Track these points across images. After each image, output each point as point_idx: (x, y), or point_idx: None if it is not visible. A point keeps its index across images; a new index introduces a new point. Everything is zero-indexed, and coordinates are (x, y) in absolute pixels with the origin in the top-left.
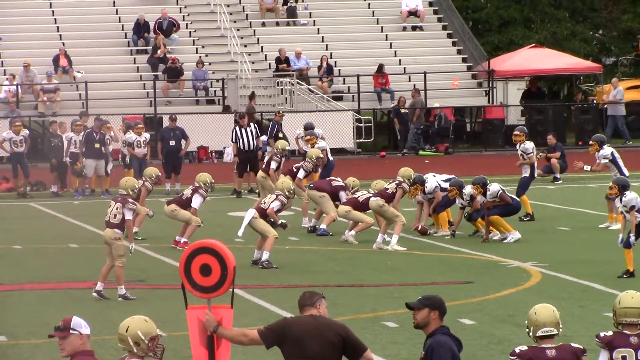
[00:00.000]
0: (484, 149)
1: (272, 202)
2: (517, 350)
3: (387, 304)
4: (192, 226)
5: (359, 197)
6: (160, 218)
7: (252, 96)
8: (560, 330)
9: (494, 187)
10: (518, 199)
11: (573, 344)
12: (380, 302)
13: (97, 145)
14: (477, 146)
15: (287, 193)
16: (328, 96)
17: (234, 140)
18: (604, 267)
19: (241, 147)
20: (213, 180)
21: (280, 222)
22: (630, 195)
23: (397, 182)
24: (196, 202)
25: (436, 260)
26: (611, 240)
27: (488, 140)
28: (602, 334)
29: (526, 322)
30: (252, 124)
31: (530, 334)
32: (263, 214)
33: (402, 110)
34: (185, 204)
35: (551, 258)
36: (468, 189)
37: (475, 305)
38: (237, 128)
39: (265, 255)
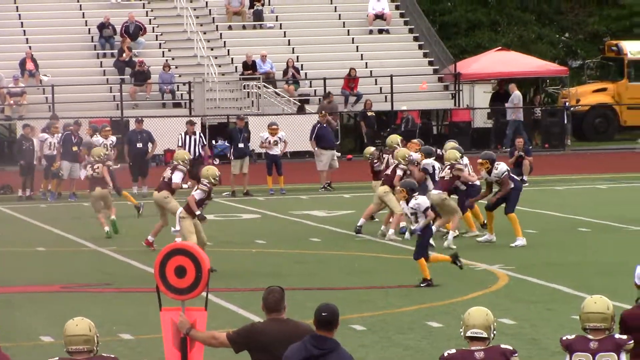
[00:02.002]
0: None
1: (194, 191)
2: (445, 354)
3: (354, 307)
4: (160, 225)
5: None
6: (127, 221)
7: (326, 95)
8: (493, 334)
9: (501, 167)
10: (518, 179)
11: (502, 345)
12: (348, 305)
13: (74, 148)
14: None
15: (212, 180)
16: (294, 99)
17: (179, 145)
18: (572, 270)
19: None
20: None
21: (197, 213)
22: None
23: (450, 165)
24: (177, 177)
25: (404, 263)
26: (579, 242)
27: (460, 143)
28: (564, 337)
29: (461, 322)
30: (197, 132)
31: (462, 334)
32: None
33: (369, 114)
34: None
35: (518, 261)
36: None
37: (443, 308)
38: (183, 134)
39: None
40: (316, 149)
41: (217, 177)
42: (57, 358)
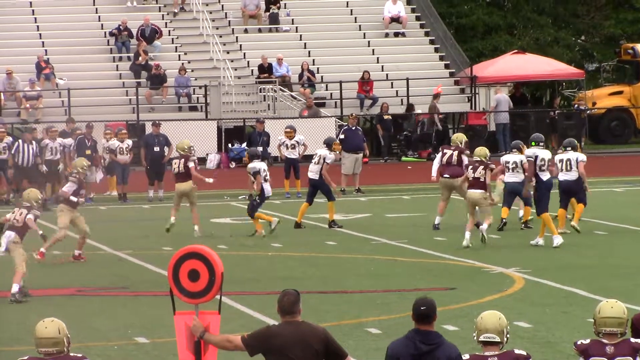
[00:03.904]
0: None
1: (25, 215)
2: None
3: (370, 310)
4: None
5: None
6: (143, 225)
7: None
8: (507, 338)
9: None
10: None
11: (516, 350)
12: (364, 308)
13: (88, 152)
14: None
15: (80, 170)
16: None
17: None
18: (588, 273)
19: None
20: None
21: (40, 233)
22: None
23: (482, 163)
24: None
25: (419, 267)
26: (595, 246)
27: (470, 146)
28: (579, 342)
29: (474, 326)
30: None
31: (475, 338)
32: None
33: (385, 117)
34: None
35: (534, 264)
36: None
37: (458, 312)
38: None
39: (14, 288)
40: (338, 152)
41: (85, 167)
42: (27, 357)
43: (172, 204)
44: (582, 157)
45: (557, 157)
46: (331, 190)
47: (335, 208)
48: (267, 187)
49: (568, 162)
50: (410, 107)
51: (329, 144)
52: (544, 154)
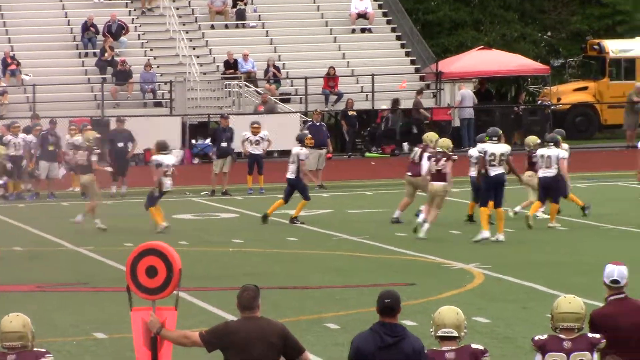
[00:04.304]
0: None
1: None
2: None
3: (329, 305)
4: None
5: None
6: (105, 221)
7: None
8: (465, 333)
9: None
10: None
11: (473, 345)
12: (323, 303)
13: (51, 147)
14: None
15: None
16: (276, 98)
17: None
18: (548, 269)
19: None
20: None
21: None
22: None
23: (444, 155)
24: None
25: (379, 262)
26: (555, 241)
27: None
28: (536, 337)
29: (431, 322)
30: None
31: (433, 333)
32: None
33: (350, 113)
34: None
35: (494, 260)
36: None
37: (418, 307)
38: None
39: None
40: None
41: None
42: None
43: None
44: (564, 153)
45: (539, 153)
46: (307, 190)
47: (304, 208)
48: (167, 181)
49: (548, 159)
50: (395, 101)
51: (300, 139)
52: (496, 148)
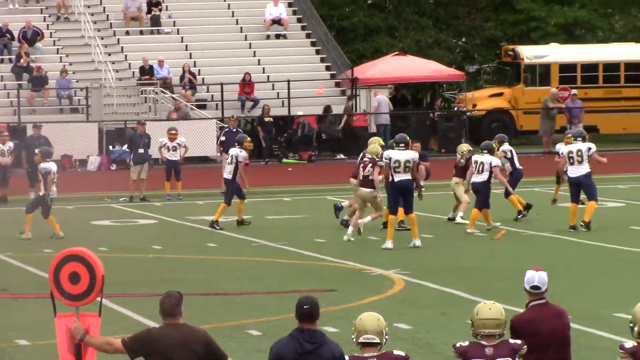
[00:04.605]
0: (347, 156)
1: None
2: None
3: (251, 312)
4: None
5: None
6: (24, 227)
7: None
8: (386, 339)
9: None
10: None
11: (395, 352)
12: (244, 310)
13: None
14: (341, 154)
15: None
16: (192, 104)
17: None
18: (467, 275)
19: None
20: None
21: None
22: None
23: (371, 161)
24: None
25: (299, 268)
26: (474, 247)
27: (351, 148)
28: (458, 344)
29: (353, 328)
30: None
31: (354, 340)
32: None
33: (266, 119)
34: None
35: (414, 266)
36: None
37: (339, 313)
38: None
39: None
40: (219, 154)
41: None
42: None
43: None
44: (496, 161)
45: (473, 159)
46: (241, 191)
47: (243, 207)
48: (54, 188)
49: (481, 165)
50: (327, 108)
51: (239, 141)
52: (401, 155)
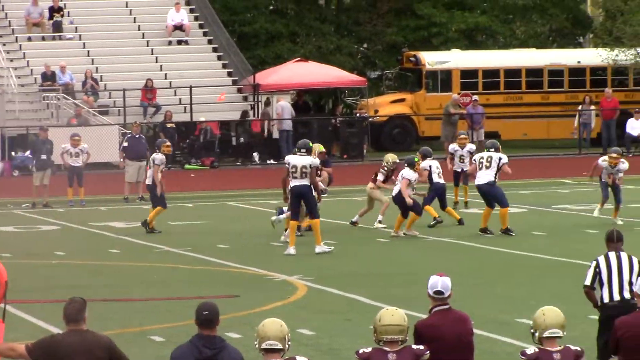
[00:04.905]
0: (249, 162)
1: None
2: None
3: (154, 318)
4: None
5: None
6: None
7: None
8: (288, 345)
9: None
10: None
11: (298, 357)
12: (147, 316)
13: None
14: (243, 160)
15: None
16: (94, 111)
17: None
18: (370, 280)
19: None
20: None
21: None
22: None
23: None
24: None
25: (202, 274)
26: (377, 253)
27: (254, 153)
28: (360, 350)
29: (255, 334)
30: None
31: (257, 346)
32: None
33: (169, 125)
34: None
35: (317, 272)
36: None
37: (242, 319)
38: None
39: None
40: (122, 159)
41: None
42: None
43: None
44: (406, 173)
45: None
46: (162, 195)
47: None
48: None
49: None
50: (244, 113)
51: (158, 146)
52: (298, 160)
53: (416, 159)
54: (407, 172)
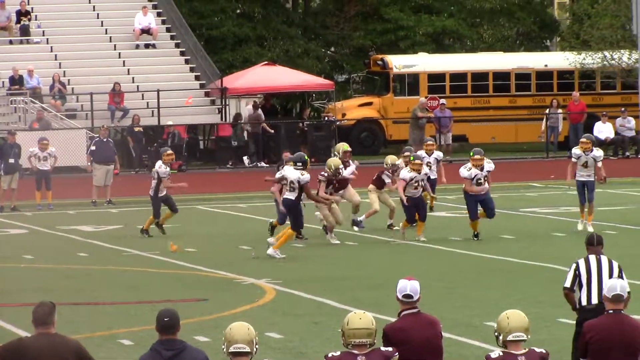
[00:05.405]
0: (217, 166)
1: None
2: None
3: (123, 321)
4: None
5: None
6: None
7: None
8: (256, 349)
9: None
10: None
11: None
12: (116, 319)
13: None
14: (210, 163)
15: None
16: (62, 114)
17: None
18: (339, 284)
19: None
20: None
21: None
22: None
23: None
24: None
25: (171, 278)
26: (346, 256)
27: (221, 157)
28: (330, 354)
29: (223, 338)
30: None
31: (225, 350)
32: None
33: (136, 129)
34: None
35: (285, 275)
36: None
37: (211, 323)
38: None
39: None
40: (89, 163)
41: None
42: None
43: None
44: (402, 175)
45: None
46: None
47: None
48: None
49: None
50: (237, 116)
51: (159, 155)
52: (291, 174)
53: (412, 157)
54: (402, 173)
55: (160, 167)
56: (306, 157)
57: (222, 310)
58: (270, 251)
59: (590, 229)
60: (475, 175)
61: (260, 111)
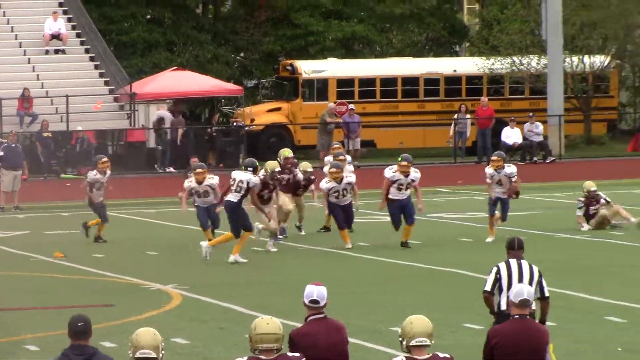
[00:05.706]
0: (126, 171)
1: None
2: None
3: (29, 327)
4: None
5: None
6: None
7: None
8: (162, 354)
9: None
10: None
11: None
12: (22, 325)
13: None
14: (120, 169)
15: None
16: None
17: None
18: (245, 289)
19: None
20: None
21: None
22: None
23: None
24: None
25: (77, 283)
26: (256, 262)
27: (130, 163)
28: None
29: (129, 344)
30: None
31: (131, 355)
32: None
33: (45, 134)
34: None
35: (192, 280)
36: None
37: (117, 328)
38: None
39: None
40: None
41: None
42: None
43: None
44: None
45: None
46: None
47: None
48: None
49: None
50: (160, 120)
51: (94, 163)
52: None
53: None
54: (322, 184)
55: (95, 174)
56: (257, 163)
57: (129, 316)
58: (231, 259)
59: (490, 239)
60: (398, 180)
61: (181, 117)
